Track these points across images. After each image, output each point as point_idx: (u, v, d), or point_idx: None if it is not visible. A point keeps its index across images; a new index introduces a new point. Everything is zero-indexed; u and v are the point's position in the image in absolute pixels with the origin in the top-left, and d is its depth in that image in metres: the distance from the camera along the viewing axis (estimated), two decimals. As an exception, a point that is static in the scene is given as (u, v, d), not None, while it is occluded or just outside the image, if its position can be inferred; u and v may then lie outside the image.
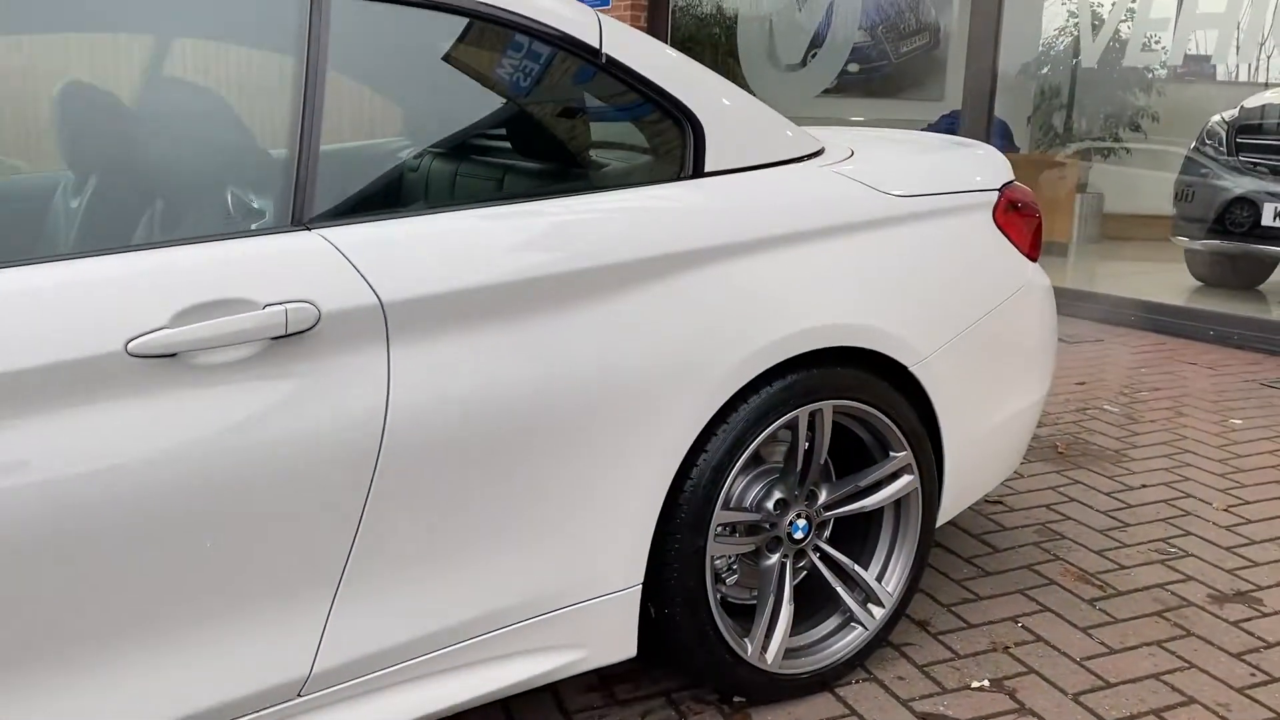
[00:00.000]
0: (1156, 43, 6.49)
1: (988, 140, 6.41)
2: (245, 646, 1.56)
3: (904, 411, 2.16)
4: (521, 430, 1.73)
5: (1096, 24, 6.81)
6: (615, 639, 1.93)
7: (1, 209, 1.69)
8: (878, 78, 9.38)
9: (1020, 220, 2.46)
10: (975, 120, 6.44)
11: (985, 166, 2.49)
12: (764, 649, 2.08)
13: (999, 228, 2.40)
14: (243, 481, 1.50)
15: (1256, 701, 2.14)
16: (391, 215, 1.70)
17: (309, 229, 1.61)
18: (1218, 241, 6.21)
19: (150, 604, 1.48)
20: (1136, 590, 2.60)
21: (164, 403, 1.45)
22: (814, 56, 8.81)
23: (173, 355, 1.45)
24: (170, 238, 1.54)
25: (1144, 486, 3.26)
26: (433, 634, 1.73)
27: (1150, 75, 6.96)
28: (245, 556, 1.53)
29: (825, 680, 2.18)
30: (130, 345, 1.42)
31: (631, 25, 8.59)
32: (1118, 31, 6.76)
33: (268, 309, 1.51)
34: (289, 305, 1.52)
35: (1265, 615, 2.48)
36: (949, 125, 8.30)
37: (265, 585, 1.56)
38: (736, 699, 2.13)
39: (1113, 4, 6.74)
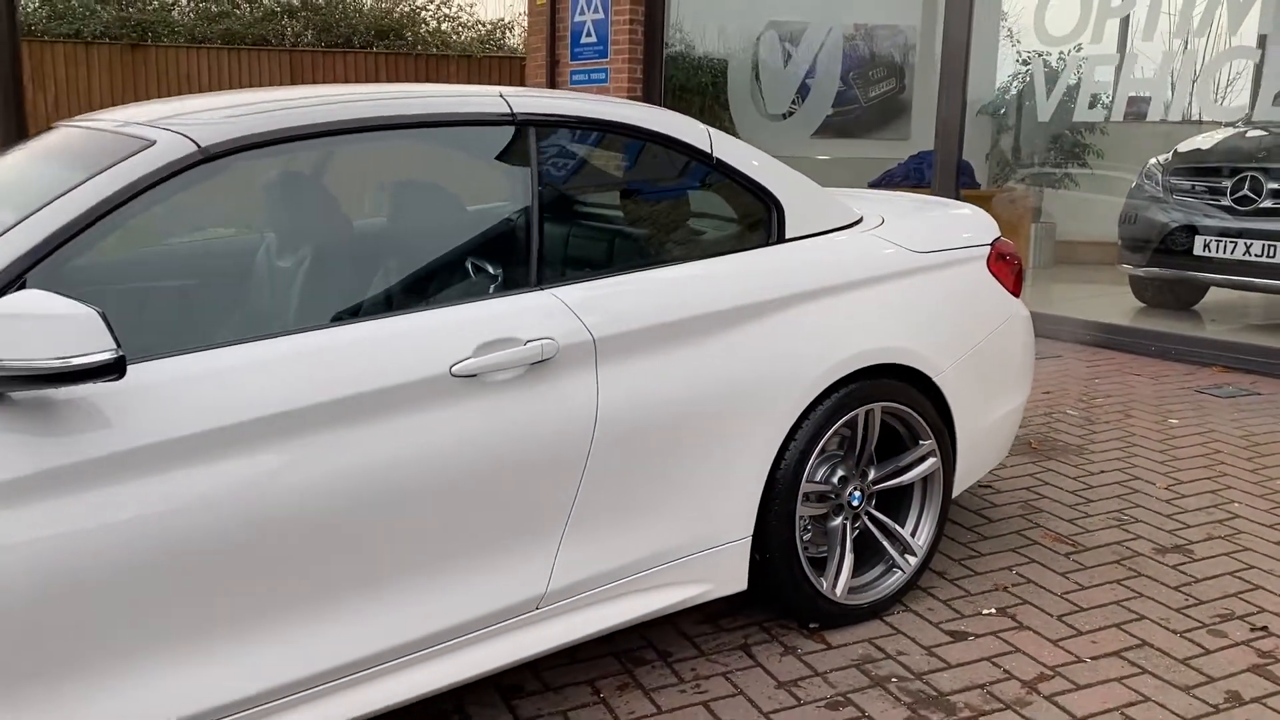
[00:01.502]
0: (1100, 87, 7.34)
1: (955, 174, 7.27)
2: (510, 572, 2.30)
3: (929, 411, 2.95)
4: (678, 426, 2.49)
5: (1047, 71, 7.68)
6: (732, 576, 2.69)
7: (364, 276, 2.36)
8: (849, 120, 10.24)
9: (1005, 266, 3.27)
10: (946, 158, 7.25)
11: (978, 226, 3.29)
12: (834, 587, 2.84)
13: (991, 273, 3.21)
14: (516, 459, 2.24)
15: (1189, 617, 2.94)
16: (590, 278, 2.46)
17: (543, 289, 2.37)
18: (1157, 269, 7.10)
19: (454, 542, 2.21)
20: (1099, 546, 3.40)
21: (470, 407, 2.19)
22: (799, 106, 9.65)
23: (474, 376, 2.20)
24: (468, 298, 2.29)
25: (1102, 472, 4.08)
26: (618, 567, 2.47)
27: (1094, 115, 7.82)
28: (512, 510, 2.27)
29: (876, 611, 2.94)
30: (453, 369, 2.17)
31: (629, 77, 9.40)
32: (1065, 78, 7.68)
33: (529, 344, 2.26)
34: (542, 341, 2.28)
35: (1195, 560, 3.29)
36: (917, 165, 9.19)
37: (522, 530, 2.30)
38: (812, 625, 2.89)
39: (1059, 53, 7.66)
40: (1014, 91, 9.53)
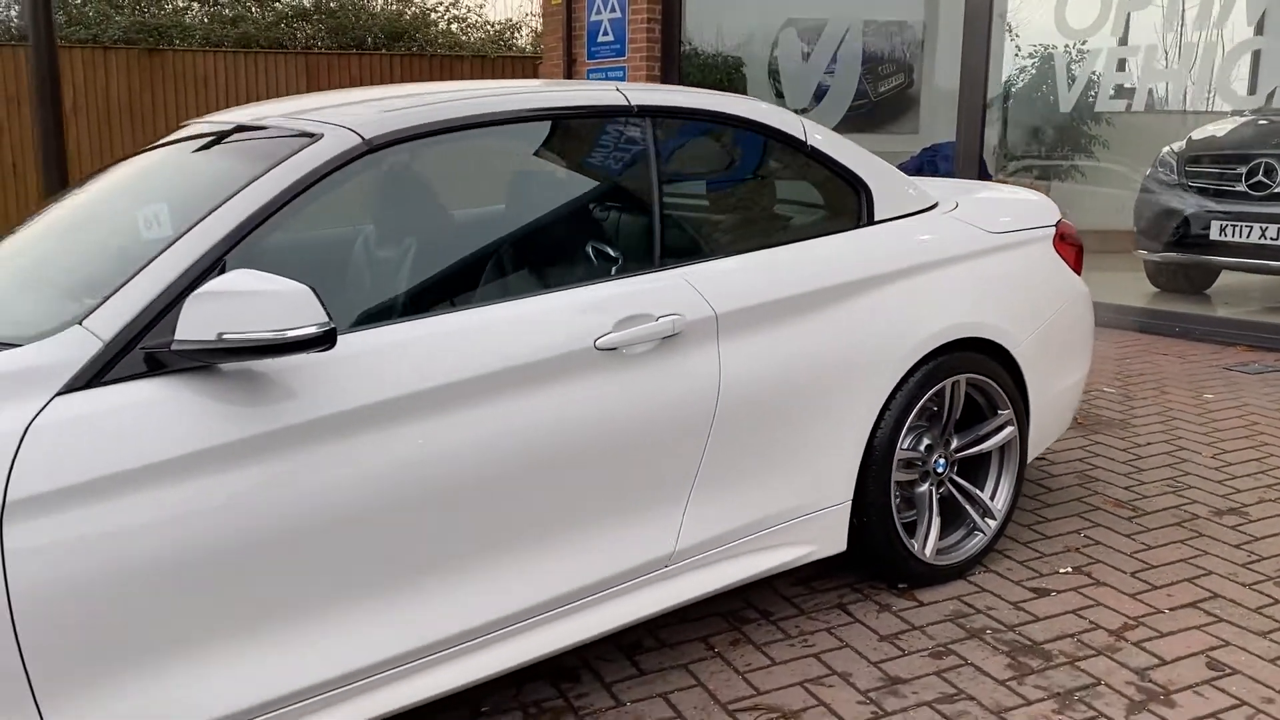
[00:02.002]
0: (1119, 78, 7.54)
1: (977, 163, 7.46)
2: (644, 531, 2.47)
3: (1007, 382, 3.12)
4: (789, 396, 2.66)
5: (1053, 64, 7.88)
6: (834, 538, 2.86)
7: (515, 257, 2.50)
8: (861, 115, 10.43)
9: (1068, 247, 3.45)
10: (968, 147, 7.43)
11: (1042, 208, 3.47)
12: (924, 548, 3.02)
13: (1056, 252, 3.38)
14: (650, 426, 2.41)
15: (1255, 571, 3.13)
16: (707, 258, 2.63)
17: (667, 269, 2.54)
18: (1174, 254, 7.31)
19: (598, 503, 2.38)
20: (1158, 510, 3.58)
21: (611, 378, 2.36)
22: (815, 105, 9.81)
23: (614, 349, 2.36)
24: (604, 277, 2.45)
25: (1148, 444, 4.27)
26: (736, 528, 2.64)
27: (1114, 106, 7.98)
28: (647, 474, 2.44)
29: (960, 571, 3.12)
30: (596, 343, 2.33)
31: (646, 75, 9.55)
32: (1070, 70, 7.88)
33: (660, 319, 2.43)
34: (672, 317, 2.44)
35: (1252, 521, 3.48)
36: (930, 157, 9.38)
37: (654, 493, 2.47)
38: (901, 585, 3.06)
39: (1065, 46, 7.86)
40: (1020, 84, 9.72)
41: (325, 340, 1.88)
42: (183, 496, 1.86)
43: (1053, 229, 3.40)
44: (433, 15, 12.69)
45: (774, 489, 2.70)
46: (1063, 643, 2.75)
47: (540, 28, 13.71)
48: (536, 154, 2.65)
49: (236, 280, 1.88)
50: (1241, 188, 6.87)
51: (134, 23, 11.26)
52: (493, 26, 13.16)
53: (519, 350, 2.24)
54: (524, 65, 12.27)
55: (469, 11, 13.07)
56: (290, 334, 1.86)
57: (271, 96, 11.46)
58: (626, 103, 2.64)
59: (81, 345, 1.87)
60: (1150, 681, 2.56)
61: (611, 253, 2.56)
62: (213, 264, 2.01)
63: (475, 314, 2.24)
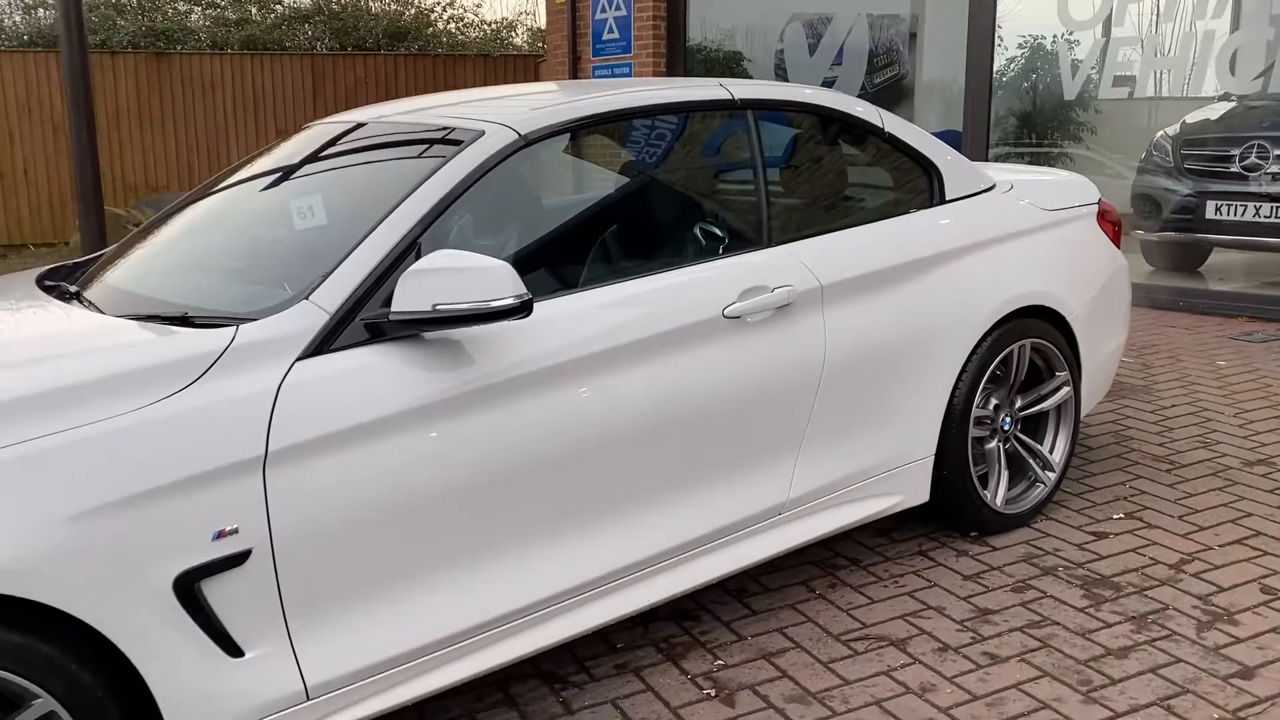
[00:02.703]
0: (1092, 67, 7.89)
1: (961, 149, 7.79)
2: (762, 481, 2.75)
3: (1064, 346, 3.43)
4: (884, 360, 2.95)
5: (1041, 53, 8.22)
6: (919, 489, 3.16)
7: (652, 236, 2.76)
8: (859, 106, 10.70)
9: (1108, 224, 3.76)
10: (975, 130, 7.77)
11: (1085, 188, 3.78)
12: (995, 498, 3.32)
13: (1100, 228, 3.69)
14: (767, 386, 2.69)
15: (1288, 513, 3.46)
16: (808, 235, 2.91)
17: (775, 246, 2.82)
18: (1171, 233, 7.68)
19: (725, 456, 2.65)
20: (1194, 463, 3.91)
21: (735, 344, 2.64)
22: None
23: (738, 318, 2.64)
24: (725, 253, 2.74)
25: (1173, 406, 4.60)
26: (838, 480, 2.93)
27: (1118, 93, 8.33)
28: (764, 430, 2.72)
29: (1024, 520, 3.42)
30: (725, 311, 2.61)
31: (653, 71, 9.81)
32: (1057, 57, 8.23)
33: (776, 290, 2.71)
34: (786, 288, 2.73)
35: (1280, 470, 3.82)
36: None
37: (771, 447, 2.75)
38: (972, 534, 3.36)
39: (1053, 36, 8.20)
40: (1011, 73, 10.05)
41: (523, 309, 2.15)
42: (399, 447, 2.13)
43: (1095, 207, 3.71)
44: (431, 15, 12.89)
45: (870, 445, 2.99)
46: (1128, 575, 3.06)
47: (535, 26, 13.97)
48: (658, 144, 2.92)
49: (444, 258, 2.14)
50: (1236, 169, 7.23)
51: (140, 27, 11.40)
52: (489, 26, 13.38)
53: (662, 318, 2.52)
54: (525, 64, 12.51)
55: (464, 11, 13.29)
56: (494, 304, 2.12)
57: (278, 98, 11.64)
58: (731, 97, 2.92)
59: (312, 317, 2.13)
60: (1213, 605, 2.88)
61: (726, 231, 2.84)
62: (410, 245, 2.27)
63: (625, 287, 2.51)
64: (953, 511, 3.28)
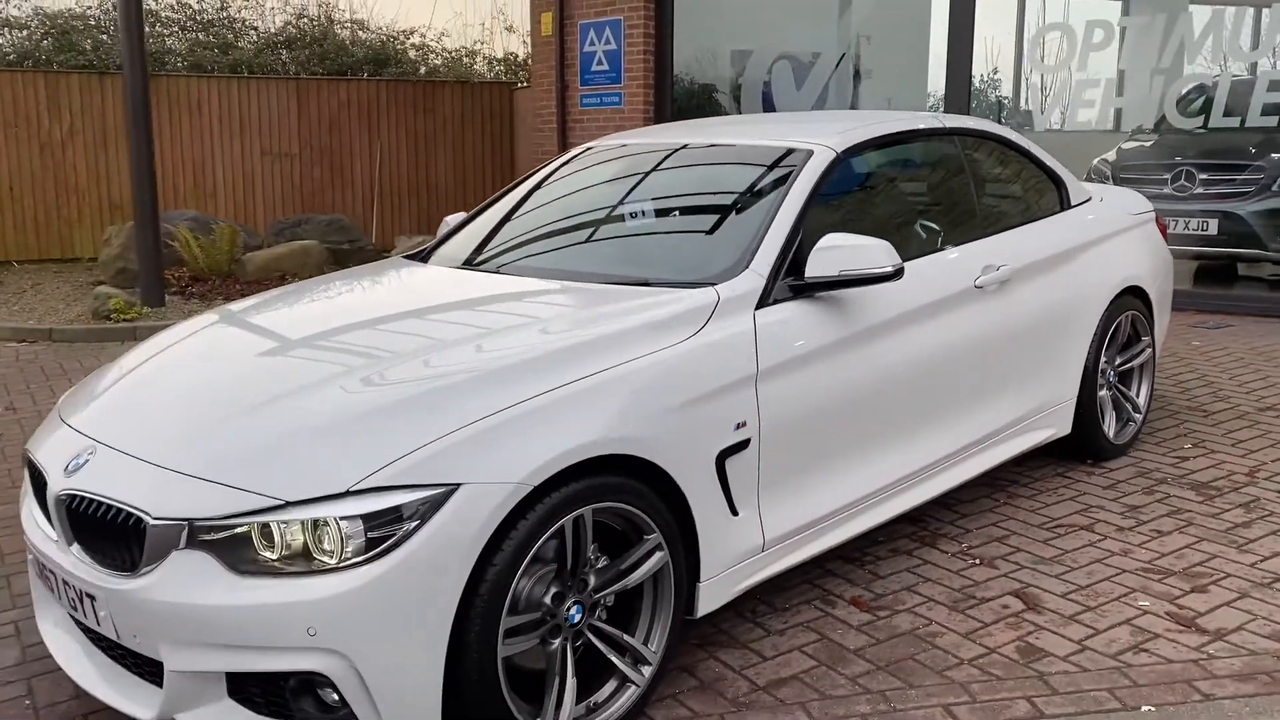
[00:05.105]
0: (1084, 102, 9.21)
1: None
2: (993, 406, 3.71)
3: (1148, 317, 4.52)
4: (1054, 322, 3.96)
5: (993, 84, 9.54)
6: (1065, 423, 4.18)
7: (926, 225, 3.73)
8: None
9: (1161, 227, 4.90)
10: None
11: (1144, 200, 4.90)
12: (1109, 432, 4.37)
13: (1158, 230, 4.83)
14: (995, 339, 3.66)
15: (1306, 440, 4.63)
16: (999, 230, 3.90)
17: (986, 236, 3.80)
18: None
19: (975, 388, 3.60)
20: (1219, 410, 5.07)
21: (979, 307, 3.60)
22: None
23: (980, 288, 3.61)
24: (964, 242, 3.70)
25: (1177, 374, 5.79)
26: (1027, 412, 3.92)
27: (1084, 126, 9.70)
28: (993, 371, 3.68)
29: (1123, 450, 4.48)
30: (975, 283, 3.57)
31: (643, 100, 10.71)
32: (1000, 91, 9.56)
33: (1000, 269, 3.69)
34: (1006, 266, 3.71)
35: (1286, 413, 5.01)
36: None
37: (996, 384, 3.71)
38: (1089, 460, 4.40)
39: (994, 73, 9.53)
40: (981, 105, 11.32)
41: (898, 274, 3.05)
42: (821, 370, 3.00)
43: (1152, 213, 4.84)
44: (395, 44, 13.50)
45: (1044, 387, 3.99)
46: (1219, 481, 4.15)
47: (490, 55, 14.73)
48: (907, 158, 3.88)
49: (839, 239, 3.03)
50: (1168, 190, 8.64)
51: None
52: (450, 54, 14.07)
53: (942, 286, 3.46)
54: (500, 91, 13.25)
55: (427, 39, 13.94)
56: (879, 270, 3.02)
57: (263, 119, 12.06)
58: (943, 125, 3.90)
59: (755, 280, 2.98)
60: (1289, 495, 4.00)
61: (958, 223, 3.81)
62: (796, 229, 3.14)
63: (919, 262, 3.44)
64: (1085, 441, 4.31)
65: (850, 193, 3.63)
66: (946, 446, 3.50)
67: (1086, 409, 4.22)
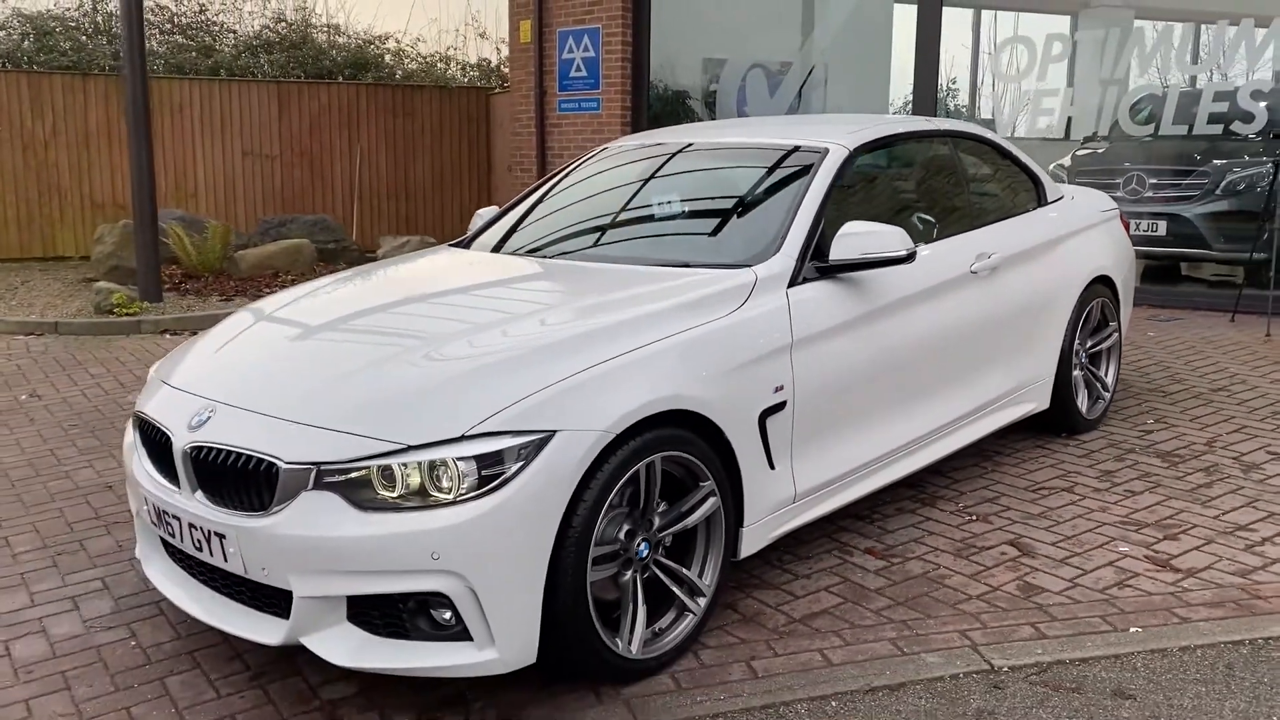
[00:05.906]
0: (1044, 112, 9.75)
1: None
2: (984, 380, 4.12)
3: (1116, 304, 4.98)
4: (1037, 306, 4.39)
5: (952, 93, 10.06)
6: (1044, 399, 4.61)
7: (926, 217, 4.13)
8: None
9: (1124, 225, 5.36)
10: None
11: (1107, 199, 5.36)
12: (1082, 408, 4.80)
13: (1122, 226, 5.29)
14: (987, 320, 4.07)
15: (1260, 412, 5.10)
16: (987, 222, 4.32)
17: (975, 229, 4.22)
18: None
19: (973, 362, 4.01)
20: (1177, 391, 5.55)
21: (973, 291, 4.01)
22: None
23: (975, 273, 4.02)
24: (959, 232, 4.11)
25: (1143, 360, 6.27)
26: (1014, 386, 4.34)
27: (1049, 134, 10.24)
28: (985, 348, 4.09)
29: (1094, 425, 4.92)
30: (971, 269, 3.99)
31: (620, 106, 11.08)
32: (958, 100, 10.08)
33: (992, 256, 4.10)
34: (997, 255, 4.13)
35: (1244, 390, 5.49)
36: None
37: (988, 359, 4.13)
38: (1064, 434, 4.83)
39: (953, 83, 10.04)
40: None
41: (911, 258, 3.43)
42: (844, 343, 3.38)
43: (1118, 211, 5.30)
44: (371, 49, 13.73)
45: (1029, 364, 4.42)
46: (1180, 451, 4.61)
47: (464, 61, 15.01)
48: (909, 156, 4.29)
49: (858, 225, 3.41)
50: (1120, 194, 9.19)
51: (113, 51, 11.81)
52: (424, 59, 14.33)
53: (943, 271, 3.87)
54: (476, 95, 13.55)
55: (402, 45, 14.19)
56: (895, 254, 3.40)
57: (244, 121, 12.24)
58: (939, 128, 4.32)
59: (786, 261, 3.36)
60: (1245, 461, 4.45)
61: (952, 215, 4.22)
62: (819, 217, 3.52)
63: (922, 249, 3.84)
64: (1062, 415, 4.75)
65: (859, 186, 4.03)
66: (947, 415, 3.91)
67: (1063, 386, 4.66)
